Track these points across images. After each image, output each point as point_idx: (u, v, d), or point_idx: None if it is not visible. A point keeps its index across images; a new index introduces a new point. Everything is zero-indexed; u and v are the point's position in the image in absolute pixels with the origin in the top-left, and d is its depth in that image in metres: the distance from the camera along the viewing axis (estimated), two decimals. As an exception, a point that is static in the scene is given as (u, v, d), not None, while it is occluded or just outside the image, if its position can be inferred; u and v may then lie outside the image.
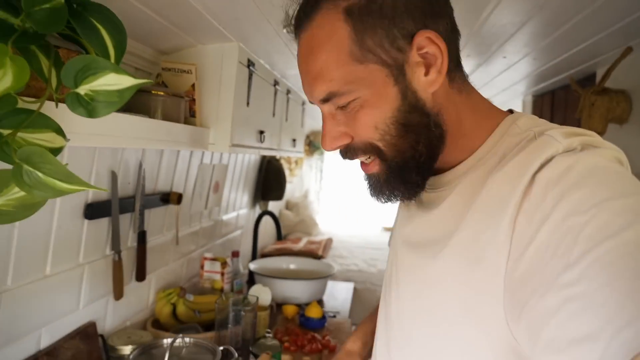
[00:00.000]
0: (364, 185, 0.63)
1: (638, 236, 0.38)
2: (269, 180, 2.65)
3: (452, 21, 0.57)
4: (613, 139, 1.54)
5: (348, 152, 0.59)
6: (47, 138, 0.59)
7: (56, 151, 0.60)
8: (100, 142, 0.75)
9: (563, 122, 1.96)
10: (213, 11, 1.00)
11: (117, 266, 1.24)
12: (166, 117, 1.07)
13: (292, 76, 1.81)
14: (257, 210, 2.74)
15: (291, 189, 3.81)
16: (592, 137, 0.49)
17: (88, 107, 0.56)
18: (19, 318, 0.92)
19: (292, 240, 3.20)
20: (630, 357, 0.33)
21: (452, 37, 0.56)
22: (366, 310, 2.58)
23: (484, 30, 1.21)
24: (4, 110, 0.52)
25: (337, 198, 4.43)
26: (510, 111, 0.60)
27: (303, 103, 2.30)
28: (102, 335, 1.19)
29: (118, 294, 1.26)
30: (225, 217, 2.20)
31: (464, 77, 0.59)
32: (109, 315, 1.27)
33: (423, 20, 0.53)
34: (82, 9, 0.63)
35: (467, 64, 1.61)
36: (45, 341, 1.01)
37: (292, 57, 1.48)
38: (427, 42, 0.53)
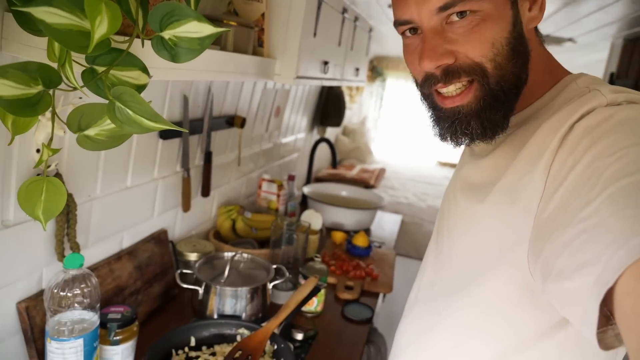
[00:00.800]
0: (438, 126, 0.62)
1: None
2: (329, 107, 2.67)
3: None
4: None
5: (447, 75, 0.57)
6: (134, 75, 0.65)
7: (141, 87, 0.66)
8: (175, 76, 0.80)
9: (654, 73, 1.79)
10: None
11: (186, 182, 1.36)
12: (236, 47, 1.09)
13: (361, 3, 1.74)
14: (315, 135, 2.80)
15: (349, 115, 3.80)
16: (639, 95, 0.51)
17: (172, 51, 0.60)
18: (106, 221, 1.07)
19: (345, 166, 3.27)
20: (619, 274, 0.35)
21: None
22: (412, 243, 2.67)
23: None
24: (100, 52, 0.57)
25: (395, 127, 4.38)
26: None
27: (370, 30, 2.22)
28: (172, 242, 1.35)
29: (186, 206, 1.40)
30: (284, 140, 2.27)
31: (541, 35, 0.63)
32: (178, 225, 1.42)
33: None
34: (166, -53, 0.65)
35: (554, 2, 1.47)
36: (127, 242, 1.17)
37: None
38: None
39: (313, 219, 1.79)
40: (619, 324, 0.36)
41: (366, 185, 2.70)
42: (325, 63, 1.51)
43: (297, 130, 2.44)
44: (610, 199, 0.40)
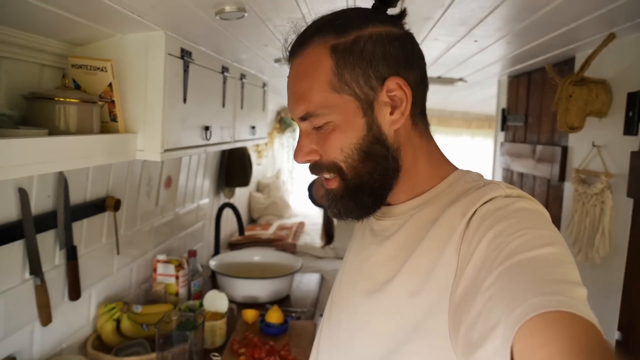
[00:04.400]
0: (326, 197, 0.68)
1: (545, 254, 0.46)
2: (232, 166, 2.50)
3: (422, 74, 0.63)
4: (592, 135, 1.42)
5: (315, 168, 0.66)
6: None
7: None
8: None
9: (540, 105, 1.85)
10: (120, 0, 0.82)
11: (41, 290, 1.10)
12: (76, 127, 0.90)
13: (246, 60, 1.63)
14: (222, 198, 2.60)
15: (262, 170, 3.65)
16: (527, 195, 0.58)
17: None
18: None
19: (262, 225, 3.08)
20: (517, 328, 0.39)
21: (420, 88, 0.63)
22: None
23: (447, 16, 1.06)
24: None
25: (311, 176, 4.29)
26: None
27: (264, 85, 2.12)
28: (25, 369, 1.06)
29: (45, 319, 1.13)
30: (182, 211, 2.05)
31: (426, 126, 0.66)
32: (37, 343, 1.13)
33: (396, 68, 0.60)
34: None
35: (437, 47, 1.46)
36: (-55, 392, 0.88)
37: (238, 42, 1.30)
38: (396, 87, 0.60)
39: (217, 300, 1.57)
40: None
41: (284, 247, 2.52)
42: (207, 128, 1.35)
43: (198, 196, 2.23)
44: (509, 269, 0.46)
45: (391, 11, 0.65)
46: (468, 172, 0.65)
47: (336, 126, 0.61)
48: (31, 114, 0.89)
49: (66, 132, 0.89)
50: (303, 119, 0.62)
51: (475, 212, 0.55)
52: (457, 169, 0.66)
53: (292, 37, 0.65)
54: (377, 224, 0.68)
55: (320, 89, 0.60)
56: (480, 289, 0.47)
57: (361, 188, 0.63)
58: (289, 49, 0.65)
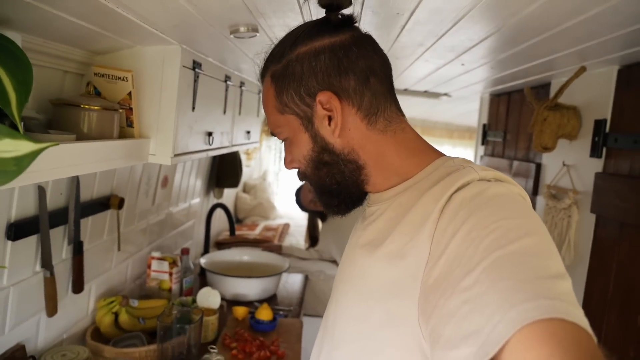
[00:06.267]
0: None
1: (522, 248, 0.46)
2: (224, 168, 2.57)
3: (365, 75, 0.64)
4: (563, 155, 1.56)
5: (299, 176, 0.74)
6: None
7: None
8: (17, 182, 0.66)
9: (518, 123, 2.00)
10: (148, 19, 0.90)
11: (49, 283, 1.16)
12: (98, 132, 0.98)
13: (245, 69, 1.72)
14: (212, 198, 2.66)
15: (249, 171, 3.73)
16: (503, 175, 0.60)
17: (-24, 174, 0.48)
18: None
19: (248, 226, 3.16)
20: (502, 344, 0.39)
21: (365, 89, 0.64)
22: (319, 301, 2.59)
23: (438, 44, 1.17)
24: None
25: (297, 181, 4.38)
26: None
27: (259, 92, 2.21)
28: (33, 357, 1.12)
29: (51, 310, 1.19)
30: (175, 210, 2.11)
31: (389, 121, 0.67)
32: (42, 333, 1.19)
33: (328, 80, 0.64)
34: (-26, 44, 0.54)
35: (427, 67, 1.57)
36: (-36, 375, 0.94)
37: (243, 54, 1.39)
38: (326, 100, 0.64)
39: (210, 297, 1.64)
40: None
41: (270, 248, 2.60)
42: (210, 134, 1.43)
43: (190, 196, 2.30)
44: (487, 270, 0.45)
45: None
46: (454, 157, 0.66)
47: (291, 141, 0.70)
48: (57, 119, 0.96)
49: (89, 136, 0.96)
50: (273, 135, 0.74)
51: (449, 199, 0.55)
52: (442, 155, 0.67)
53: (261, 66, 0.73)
54: (367, 211, 0.71)
55: (271, 113, 0.70)
56: (456, 288, 0.47)
57: (323, 191, 0.71)
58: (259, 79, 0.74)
